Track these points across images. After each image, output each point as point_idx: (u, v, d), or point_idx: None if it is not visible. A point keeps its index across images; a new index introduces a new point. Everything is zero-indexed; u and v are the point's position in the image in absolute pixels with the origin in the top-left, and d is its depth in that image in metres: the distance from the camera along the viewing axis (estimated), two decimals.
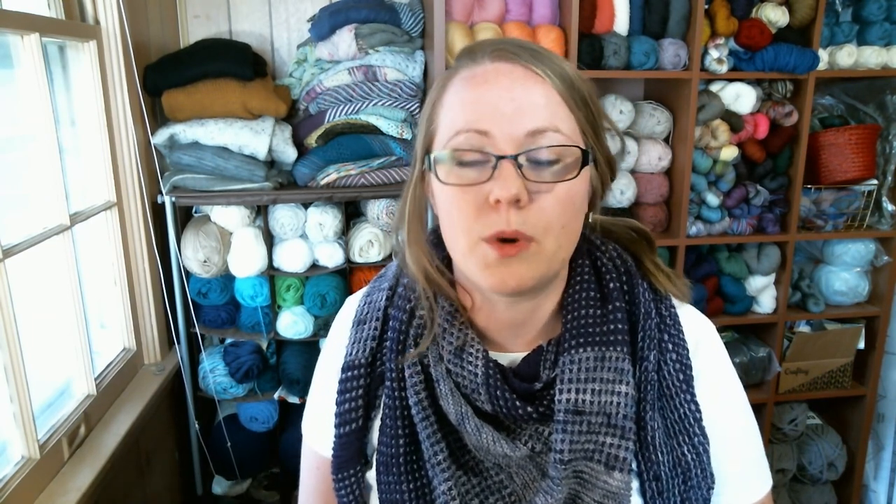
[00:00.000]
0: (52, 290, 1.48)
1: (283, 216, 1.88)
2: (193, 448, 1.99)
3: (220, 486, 2.08)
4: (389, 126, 1.87)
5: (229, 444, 1.98)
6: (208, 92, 1.79)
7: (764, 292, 2.21)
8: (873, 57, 2.07)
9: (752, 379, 2.25)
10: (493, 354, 0.70)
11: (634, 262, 0.75)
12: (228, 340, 2.01)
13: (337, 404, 0.75)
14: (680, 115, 2.03)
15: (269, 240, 1.92)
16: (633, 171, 2.09)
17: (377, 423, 0.74)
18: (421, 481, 0.70)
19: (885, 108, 2.19)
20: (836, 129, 2.12)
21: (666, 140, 2.10)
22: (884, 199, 2.21)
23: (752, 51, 1.97)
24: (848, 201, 2.19)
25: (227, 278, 1.94)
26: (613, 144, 0.72)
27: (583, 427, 0.64)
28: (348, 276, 2.00)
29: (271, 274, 1.92)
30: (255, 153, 1.83)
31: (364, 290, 0.82)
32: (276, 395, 1.99)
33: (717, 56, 1.95)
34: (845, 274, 2.26)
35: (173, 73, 1.80)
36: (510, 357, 0.72)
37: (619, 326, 0.68)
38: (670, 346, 0.71)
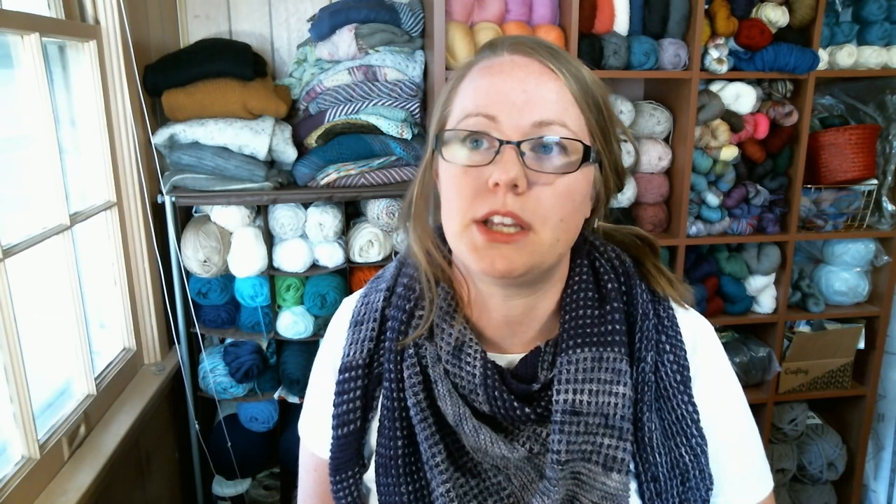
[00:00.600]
0: (52, 290, 1.48)
1: (283, 216, 1.88)
2: (193, 448, 1.99)
3: (220, 485, 2.08)
4: (389, 126, 1.87)
5: (229, 443, 1.98)
6: (208, 92, 1.79)
7: (764, 292, 2.20)
8: (873, 57, 2.07)
9: (752, 379, 2.24)
10: (491, 355, 0.70)
11: (634, 265, 0.75)
12: (228, 340, 2.01)
13: (334, 406, 0.75)
14: (680, 114, 2.03)
15: (269, 240, 1.92)
16: (632, 171, 2.09)
17: (375, 425, 0.74)
18: (420, 483, 0.70)
19: (885, 108, 2.19)
20: (836, 129, 2.12)
21: (666, 140, 2.10)
22: (884, 198, 2.21)
23: (752, 51, 1.97)
24: (848, 201, 2.19)
25: (227, 278, 1.94)
26: (628, 159, 0.72)
27: (580, 428, 0.65)
28: (348, 276, 2.00)
29: (271, 274, 1.92)
30: (255, 153, 1.83)
31: (361, 291, 0.82)
32: (276, 395, 2.00)
33: (717, 56, 1.95)
34: (845, 274, 2.26)
35: (173, 73, 1.80)
36: (508, 358, 0.72)
37: (617, 327, 0.68)
38: (668, 347, 0.71)
